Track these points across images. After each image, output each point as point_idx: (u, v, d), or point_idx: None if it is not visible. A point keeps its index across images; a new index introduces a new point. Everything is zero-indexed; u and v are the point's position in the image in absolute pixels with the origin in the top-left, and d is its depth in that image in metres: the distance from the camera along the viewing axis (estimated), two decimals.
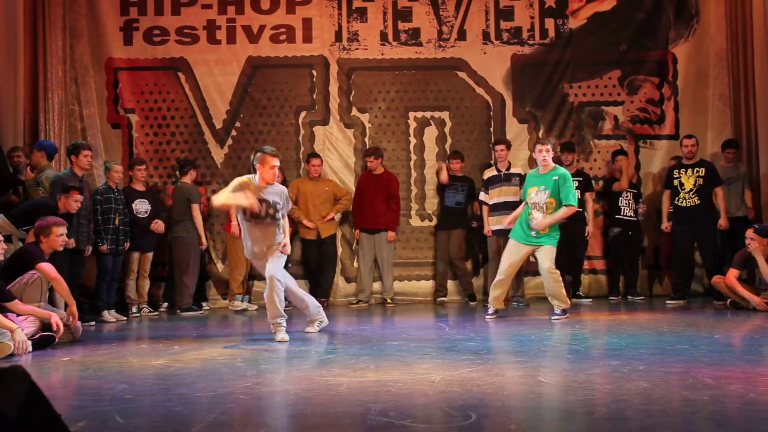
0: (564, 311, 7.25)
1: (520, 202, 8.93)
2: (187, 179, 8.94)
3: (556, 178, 7.27)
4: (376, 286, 9.53)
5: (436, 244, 9.60)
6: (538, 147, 7.39)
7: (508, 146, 9.21)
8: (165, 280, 9.35)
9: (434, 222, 9.74)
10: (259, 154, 6.13)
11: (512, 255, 7.38)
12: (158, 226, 8.64)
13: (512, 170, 9.04)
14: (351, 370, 4.57)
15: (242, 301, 9.18)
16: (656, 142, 9.95)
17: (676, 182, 8.67)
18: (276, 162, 6.12)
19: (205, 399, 3.85)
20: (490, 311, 7.49)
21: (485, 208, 9.04)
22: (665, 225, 8.83)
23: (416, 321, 7.72)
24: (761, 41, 9.08)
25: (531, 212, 7.29)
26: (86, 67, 9.74)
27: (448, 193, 9.38)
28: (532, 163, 9.62)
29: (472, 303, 9.22)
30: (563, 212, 7.21)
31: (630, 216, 9.32)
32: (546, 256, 7.22)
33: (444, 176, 9.36)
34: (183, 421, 3.41)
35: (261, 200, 6.07)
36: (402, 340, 5.98)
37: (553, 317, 7.17)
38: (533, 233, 7.27)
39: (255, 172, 6.15)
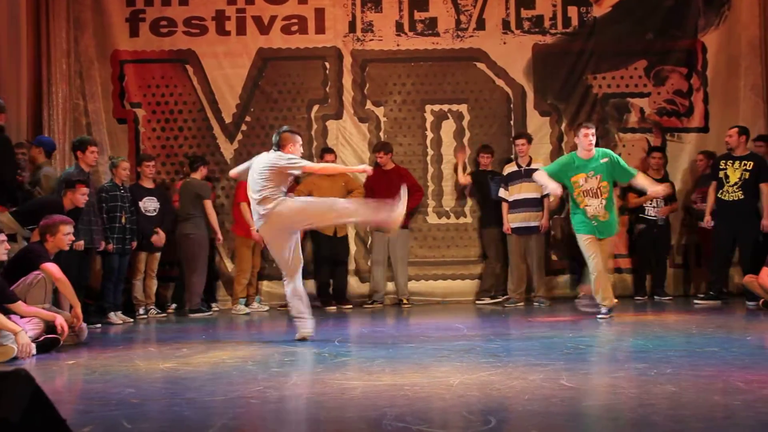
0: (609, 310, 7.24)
1: (542, 198, 8.96)
2: (197, 176, 8.98)
3: (606, 160, 7.22)
4: (391, 286, 9.54)
5: (484, 242, 9.52)
6: (584, 131, 7.28)
7: (530, 140, 9.18)
8: (174, 280, 9.40)
9: (460, 219, 9.74)
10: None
11: (596, 248, 7.22)
12: (159, 237, 8.70)
13: (533, 165, 9.00)
14: (366, 373, 4.58)
15: (258, 302, 9.26)
16: (684, 136, 9.87)
17: (721, 174, 8.42)
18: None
19: (215, 403, 3.87)
20: (604, 311, 7.24)
21: (505, 205, 9.04)
22: (707, 220, 8.65)
23: (434, 322, 7.72)
24: None
25: (584, 200, 7.20)
26: (91, 59, 9.78)
27: (493, 186, 9.26)
28: (554, 157, 9.60)
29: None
30: (645, 179, 7.59)
31: (653, 216, 9.25)
32: (608, 255, 7.46)
33: (462, 178, 9.34)
34: (192, 427, 3.42)
35: None
36: (418, 342, 5.98)
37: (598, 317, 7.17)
38: (594, 222, 7.21)
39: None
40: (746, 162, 8.35)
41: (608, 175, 7.22)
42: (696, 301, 8.59)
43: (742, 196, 8.31)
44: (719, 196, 8.45)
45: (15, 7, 8.95)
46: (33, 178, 7.96)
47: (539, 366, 4.67)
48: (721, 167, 8.47)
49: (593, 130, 7.36)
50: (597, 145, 9.24)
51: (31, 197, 7.72)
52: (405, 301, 9.31)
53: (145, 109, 9.85)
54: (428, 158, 9.86)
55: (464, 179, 9.43)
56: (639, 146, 9.78)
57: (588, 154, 7.27)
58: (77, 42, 9.71)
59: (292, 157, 6.25)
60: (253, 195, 6.17)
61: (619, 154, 9.73)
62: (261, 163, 6.24)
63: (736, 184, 8.34)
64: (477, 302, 9.39)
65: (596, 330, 6.52)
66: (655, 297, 9.26)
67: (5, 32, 8.84)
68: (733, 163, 8.40)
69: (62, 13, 9.54)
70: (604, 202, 7.22)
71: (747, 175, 8.30)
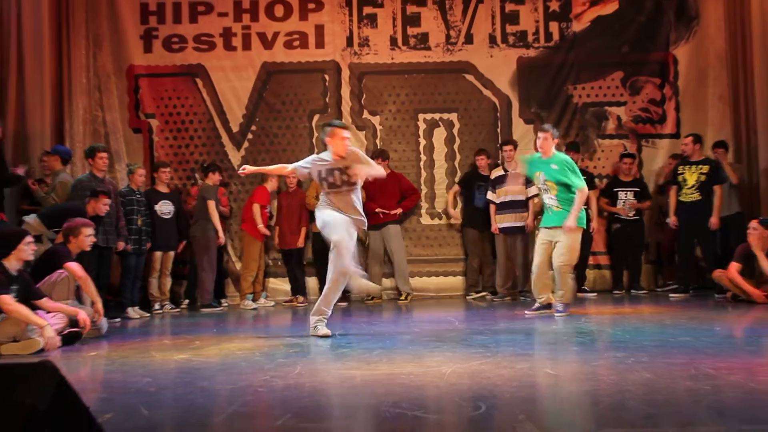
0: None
1: (527, 200, 8.99)
2: (209, 181, 8.98)
3: (555, 166, 6.98)
4: (389, 282, 9.55)
5: (465, 241, 9.55)
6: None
7: (515, 146, 9.21)
8: (186, 278, 9.40)
9: (451, 219, 9.76)
10: (328, 128, 5.99)
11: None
12: None
13: (519, 170, 9.02)
14: (365, 363, 4.59)
15: (264, 298, 9.25)
16: (658, 141, 9.92)
17: (680, 178, 8.63)
18: (346, 134, 5.94)
19: (225, 392, 3.88)
20: (536, 306, 7.15)
21: (492, 207, 9.07)
22: (671, 219, 8.76)
23: (428, 316, 7.73)
24: (760, 41, 9.03)
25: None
26: (108, 74, 9.81)
27: (477, 194, 9.31)
28: None
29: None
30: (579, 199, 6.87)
31: (625, 215, 9.30)
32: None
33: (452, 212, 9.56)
34: (204, 413, 3.44)
35: (335, 169, 5.91)
36: (414, 335, 5.99)
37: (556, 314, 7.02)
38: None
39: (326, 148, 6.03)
40: (702, 166, 8.56)
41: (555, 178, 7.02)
42: (671, 295, 8.64)
43: (700, 197, 8.51)
44: (679, 198, 8.63)
45: (38, 26, 8.98)
46: (51, 185, 7.98)
47: (526, 356, 4.69)
48: (679, 172, 8.68)
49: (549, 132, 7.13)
50: (577, 151, 9.39)
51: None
52: (403, 297, 9.29)
53: (159, 119, 9.88)
54: (421, 163, 9.89)
55: (454, 213, 9.63)
56: (617, 151, 9.81)
57: (545, 155, 7.10)
58: (95, 58, 9.74)
59: None
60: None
61: (599, 159, 9.88)
62: None
63: (693, 186, 8.53)
64: (467, 297, 9.41)
65: (578, 322, 6.54)
66: (632, 291, 9.30)
67: (30, 50, 8.88)
68: (690, 168, 8.59)
69: (81, 31, 9.57)
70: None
71: (703, 177, 8.51)
